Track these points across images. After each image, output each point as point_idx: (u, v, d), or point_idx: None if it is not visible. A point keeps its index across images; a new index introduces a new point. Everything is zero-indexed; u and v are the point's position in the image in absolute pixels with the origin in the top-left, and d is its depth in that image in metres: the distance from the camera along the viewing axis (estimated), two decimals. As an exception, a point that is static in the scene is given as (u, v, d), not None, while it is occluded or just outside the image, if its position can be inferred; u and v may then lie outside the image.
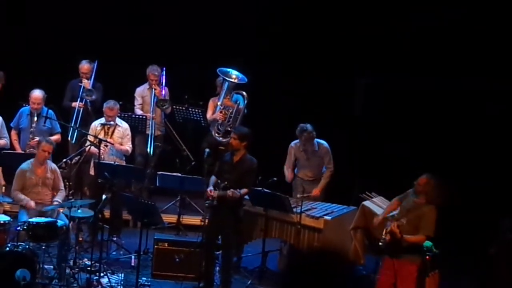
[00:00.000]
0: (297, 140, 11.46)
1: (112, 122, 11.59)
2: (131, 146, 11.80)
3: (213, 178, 10.33)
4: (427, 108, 13.06)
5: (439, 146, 12.89)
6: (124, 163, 11.64)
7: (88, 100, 12.47)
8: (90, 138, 11.34)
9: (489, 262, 10.62)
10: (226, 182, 10.05)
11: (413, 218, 8.89)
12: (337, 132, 12.27)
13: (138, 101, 12.81)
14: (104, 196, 10.64)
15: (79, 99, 12.44)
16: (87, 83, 12.46)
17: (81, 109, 12.43)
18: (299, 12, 13.56)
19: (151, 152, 12.57)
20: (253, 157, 10.22)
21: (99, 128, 11.59)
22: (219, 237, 10.36)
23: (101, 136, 11.36)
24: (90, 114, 12.47)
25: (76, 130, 12.15)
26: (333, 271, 3.84)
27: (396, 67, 12.98)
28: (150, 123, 12.58)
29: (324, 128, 11.50)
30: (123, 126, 11.74)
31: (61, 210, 10.43)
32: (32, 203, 10.49)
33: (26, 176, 10.68)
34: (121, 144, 11.63)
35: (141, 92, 12.83)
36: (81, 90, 12.44)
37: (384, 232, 8.88)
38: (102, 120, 11.67)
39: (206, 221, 10.35)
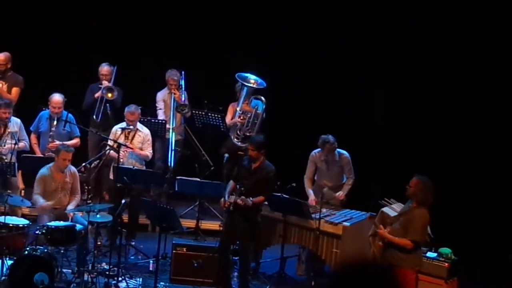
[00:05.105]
0: (318, 149, 11.43)
1: (132, 127, 11.59)
2: (151, 151, 11.79)
3: (230, 183, 10.34)
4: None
5: (458, 150, 12.87)
6: (144, 168, 11.64)
7: (108, 105, 12.48)
8: (110, 142, 11.35)
9: (508, 269, 10.58)
10: (242, 188, 10.06)
11: (404, 221, 9.08)
12: (356, 138, 12.23)
13: (160, 105, 12.80)
14: (123, 201, 10.66)
15: (100, 91, 12.46)
16: (107, 83, 12.50)
17: (102, 100, 12.40)
18: (319, 15, 13.56)
19: (171, 165, 12.54)
20: (271, 164, 10.21)
21: (119, 132, 11.60)
22: (237, 242, 10.36)
23: (121, 140, 11.36)
24: (109, 118, 12.49)
25: (101, 111, 12.28)
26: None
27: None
28: (170, 133, 12.58)
29: (343, 134, 11.46)
30: (144, 132, 11.74)
31: (80, 214, 10.45)
32: (48, 204, 10.60)
33: (46, 182, 10.73)
34: (141, 149, 11.63)
35: (162, 96, 12.83)
36: (102, 88, 12.47)
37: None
38: (123, 124, 11.67)
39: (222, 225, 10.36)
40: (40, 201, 10.66)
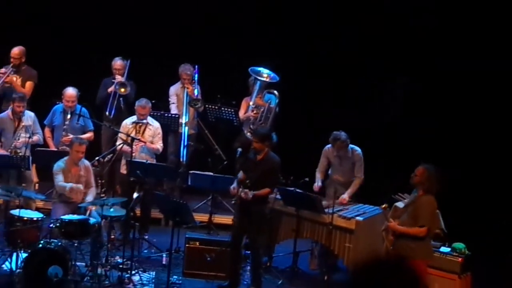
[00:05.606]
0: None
1: (144, 121, 11.62)
2: (162, 145, 11.82)
3: (239, 175, 10.33)
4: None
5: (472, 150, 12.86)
6: (154, 162, 11.66)
7: (121, 100, 12.51)
8: (122, 136, 11.38)
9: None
10: (247, 181, 10.06)
11: (411, 211, 9.09)
12: (356, 138, 12.21)
13: (173, 100, 12.82)
14: (136, 195, 10.68)
15: (113, 86, 12.49)
16: (120, 78, 12.52)
17: (115, 94, 12.43)
18: (319, 15, 13.55)
19: (184, 160, 12.55)
20: (276, 155, 10.19)
21: (130, 126, 11.62)
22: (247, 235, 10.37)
23: (132, 134, 11.38)
24: (122, 112, 12.51)
25: (114, 106, 12.30)
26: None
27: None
28: (183, 127, 12.59)
29: (357, 129, 11.44)
30: (154, 125, 11.76)
31: (94, 208, 10.47)
32: (78, 185, 10.68)
33: (63, 174, 10.76)
34: (152, 143, 11.65)
35: (175, 90, 12.84)
36: (115, 83, 12.49)
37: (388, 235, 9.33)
38: (134, 118, 11.69)
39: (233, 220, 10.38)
40: (68, 184, 10.69)
